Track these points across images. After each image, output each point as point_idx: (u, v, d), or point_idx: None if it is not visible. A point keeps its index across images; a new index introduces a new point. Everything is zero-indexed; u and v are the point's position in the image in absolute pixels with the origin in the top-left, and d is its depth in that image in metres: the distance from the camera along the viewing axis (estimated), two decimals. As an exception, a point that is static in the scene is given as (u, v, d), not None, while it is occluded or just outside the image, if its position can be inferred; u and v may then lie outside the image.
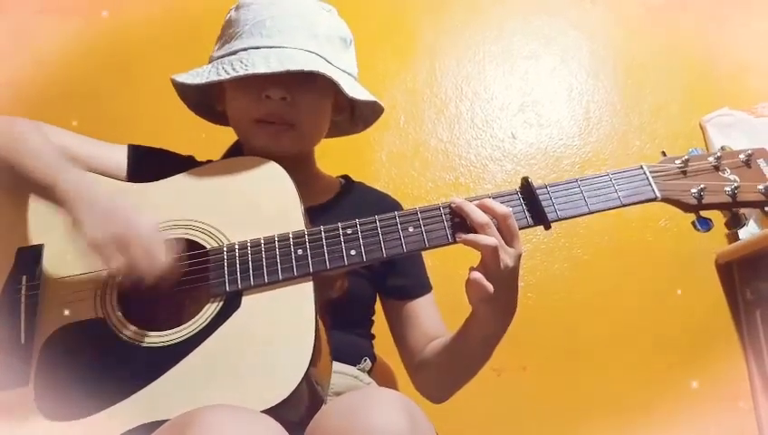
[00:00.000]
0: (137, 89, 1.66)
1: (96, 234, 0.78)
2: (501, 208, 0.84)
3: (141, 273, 0.78)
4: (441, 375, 1.03)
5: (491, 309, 0.87)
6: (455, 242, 0.85)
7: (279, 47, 0.95)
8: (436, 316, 1.09)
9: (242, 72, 0.91)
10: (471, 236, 0.83)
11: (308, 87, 0.97)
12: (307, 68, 0.92)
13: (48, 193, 0.83)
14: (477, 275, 0.82)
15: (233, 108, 1.02)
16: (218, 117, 1.09)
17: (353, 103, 1.04)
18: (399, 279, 1.08)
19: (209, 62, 1.00)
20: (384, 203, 1.14)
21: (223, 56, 0.98)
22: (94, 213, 0.79)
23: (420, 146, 1.69)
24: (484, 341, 0.94)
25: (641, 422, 1.52)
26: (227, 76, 0.92)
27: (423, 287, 1.11)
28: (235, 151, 1.09)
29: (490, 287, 0.82)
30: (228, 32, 1.00)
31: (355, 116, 1.11)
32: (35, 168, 0.85)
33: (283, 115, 0.98)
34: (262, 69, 0.91)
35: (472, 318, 0.93)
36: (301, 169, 0.99)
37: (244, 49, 0.95)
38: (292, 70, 0.91)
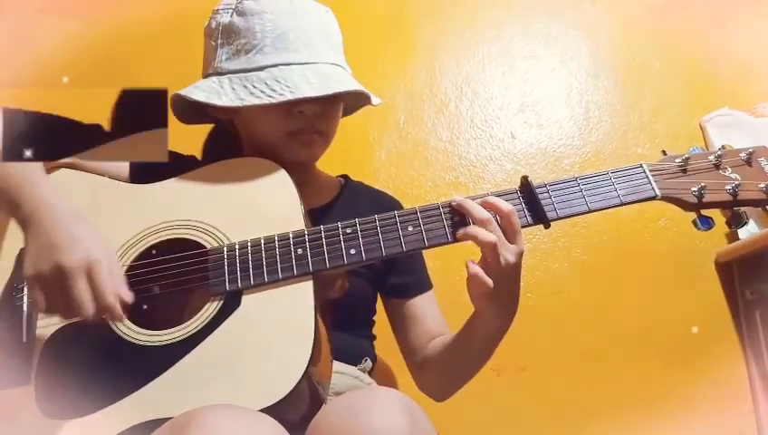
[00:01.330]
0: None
1: (27, 270, 0.75)
2: (505, 205, 0.84)
3: (69, 316, 0.75)
4: (443, 373, 1.04)
5: (492, 305, 0.87)
6: (454, 241, 0.85)
7: (309, 63, 0.95)
8: (438, 314, 1.09)
9: (290, 97, 0.90)
10: (471, 229, 0.83)
11: (335, 98, 0.98)
12: (351, 88, 0.95)
13: (14, 214, 0.81)
14: (477, 269, 0.83)
15: (257, 122, 0.99)
16: (197, 117, 1.06)
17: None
18: (400, 277, 1.09)
19: (219, 74, 0.97)
20: (384, 202, 1.14)
21: (245, 70, 0.95)
22: (35, 245, 0.76)
23: (420, 146, 1.69)
24: (486, 339, 0.94)
25: (641, 422, 1.52)
26: (273, 100, 0.91)
27: (423, 285, 1.12)
28: (215, 144, 1.09)
29: (490, 282, 0.82)
30: (240, 42, 0.97)
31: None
32: (6, 187, 0.82)
33: (315, 126, 0.99)
34: (310, 93, 0.91)
35: (474, 316, 0.93)
36: (301, 169, 0.99)
37: (274, 65, 0.94)
38: (339, 92, 0.93)
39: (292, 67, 0.94)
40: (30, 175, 0.83)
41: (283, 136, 0.98)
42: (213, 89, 0.96)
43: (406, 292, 1.10)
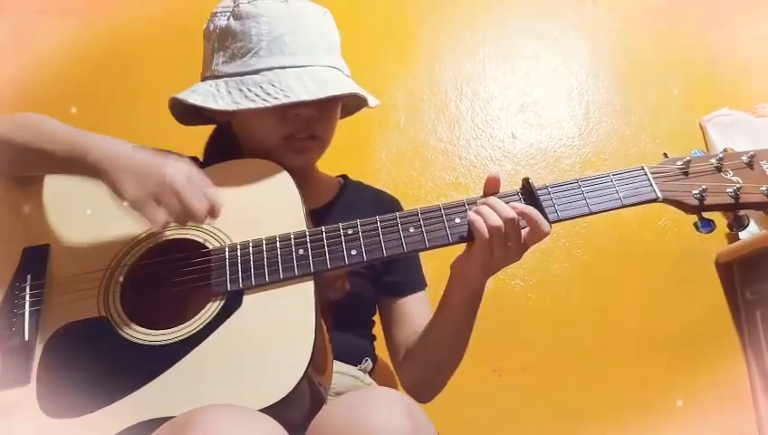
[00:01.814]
0: (137, 89, 1.66)
1: (135, 195, 0.79)
2: (545, 226, 0.83)
3: (186, 219, 0.80)
4: (425, 360, 1.03)
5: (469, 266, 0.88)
6: (455, 242, 0.85)
7: (306, 66, 0.95)
8: (428, 314, 1.09)
9: (284, 100, 0.90)
10: (485, 211, 0.83)
11: (332, 101, 0.98)
12: (347, 91, 0.94)
13: (79, 166, 0.83)
14: (479, 224, 0.83)
15: (254, 125, 0.99)
16: (196, 119, 1.06)
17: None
18: (394, 276, 1.09)
19: (216, 77, 0.97)
20: (383, 201, 1.14)
21: (241, 74, 0.95)
22: (127, 173, 0.80)
23: (420, 146, 1.69)
24: (465, 302, 0.94)
25: (641, 422, 1.52)
26: (267, 104, 0.91)
27: (417, 285, 1.11)
28: (216, 145, 1.09)
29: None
30: (236, 45, 0.96)
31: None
32: (61, 146, 0.85)
33: (311, 130, 0.98)
34: (305, 96, 0.91)
35: (448, 282, 0.94)
36: (301, 170, 0.99)
37: (270, 69, 0.94)
38: (334, 95, 0.93)
39: (287, 71, 0.93)
40: (74, 129, 0.87)
41: (279, 140, 0.98)
42: (209, 92, 0.96)
43: (398, 290, 1.10)
